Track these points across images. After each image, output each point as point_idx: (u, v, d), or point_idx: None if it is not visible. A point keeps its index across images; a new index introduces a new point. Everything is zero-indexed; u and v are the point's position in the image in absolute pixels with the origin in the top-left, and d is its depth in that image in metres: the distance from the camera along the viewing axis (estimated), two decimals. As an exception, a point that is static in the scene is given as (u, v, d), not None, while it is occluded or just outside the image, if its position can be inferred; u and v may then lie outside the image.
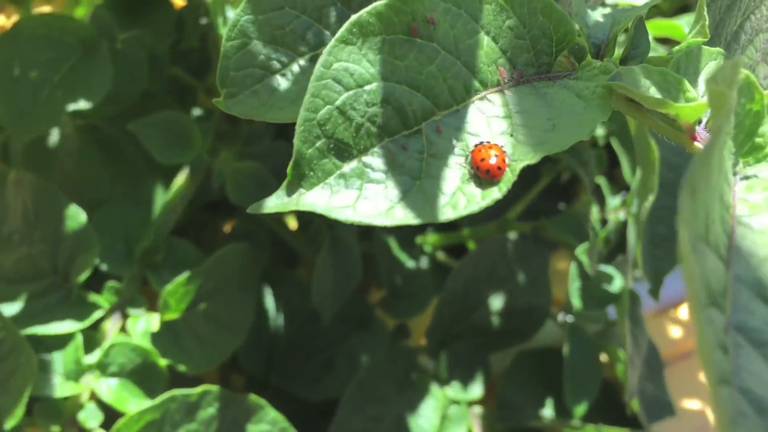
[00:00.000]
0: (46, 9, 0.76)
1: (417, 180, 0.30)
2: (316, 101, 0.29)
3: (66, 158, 0.64)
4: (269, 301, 0.71)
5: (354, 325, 0.72)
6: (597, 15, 0.41)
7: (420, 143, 0.30)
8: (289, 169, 0.29)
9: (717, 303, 0.24)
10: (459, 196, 0.30)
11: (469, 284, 0.71)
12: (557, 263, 0.84)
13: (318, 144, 0.29)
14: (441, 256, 0.78)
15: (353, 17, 0.30)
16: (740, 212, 0.28)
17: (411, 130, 0.31)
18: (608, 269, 0.66)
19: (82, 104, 0.57)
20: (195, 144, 0.62)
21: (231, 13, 0.57)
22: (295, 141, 0.29)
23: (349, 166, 0.30)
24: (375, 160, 0.30)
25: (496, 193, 0.30)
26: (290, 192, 0.29)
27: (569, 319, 0.71)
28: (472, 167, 0.30)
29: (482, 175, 0.30)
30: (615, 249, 0.69)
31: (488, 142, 0.31)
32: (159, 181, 0.65)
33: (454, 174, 0.30)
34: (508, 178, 0.30)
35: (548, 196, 0.80)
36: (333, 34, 0.40)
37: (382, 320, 0.73)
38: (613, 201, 0.70)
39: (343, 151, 0.30)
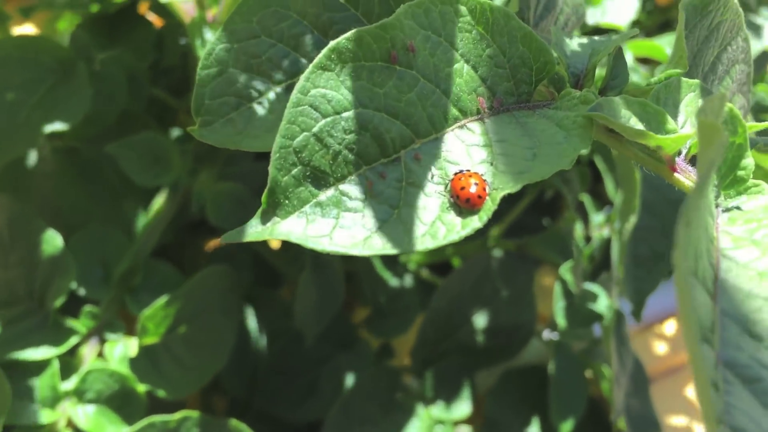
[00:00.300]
0: (26, 27, 0.75)
1: (395, 209, 0.29)
2: (293, 128, 0.28)
3: (43, 180, 0.63)
4: (252, 321, 0.70)
5: (338, 346, 0.71)
6: (575, 44, 0.41)
7: (399, 171, 0.30)
8: (263, 197, 0.28)
9: (707, 338, 0.24)
10: (438, 225, 0.29)
11: (454, 302, 0.71)
12: (543, 279, 0.84)
13: (294, 171, 0.29)
14: (425, 273, 0.78)
15: (332, 43, 0.30)
16: (724, 245, 0.28)
17: (389, 158, 0.30)
18: (593, 287, 0.65)
19: (60, 126, 0.56)
20: (174, 165, 0.61)
21: (209, 35, 0.57)
22: (271, 168, 0.28)
23: (325, 195, 0.29)
24: (352, 188, 0.29)
25: (476, 223, 0.29)
26: (265, 220, 0.28)
27: (555, 336, 0.70)
28: (452, 196, 0.30)
29: (462, 204, 0.30)
30: (599, 266, 0.69)
31: (468, 171, 0.30)
32: (138, 202, 0.64)
33: (434, 203, 0.30)
34: (489, 207, 0.29)
35: (532, 211, 0.80)
36: (310, 61, 0.40)
37: (366, 340, 0.72)
38: (597, 218, 0.70)
39: (320, 179, 0.29)
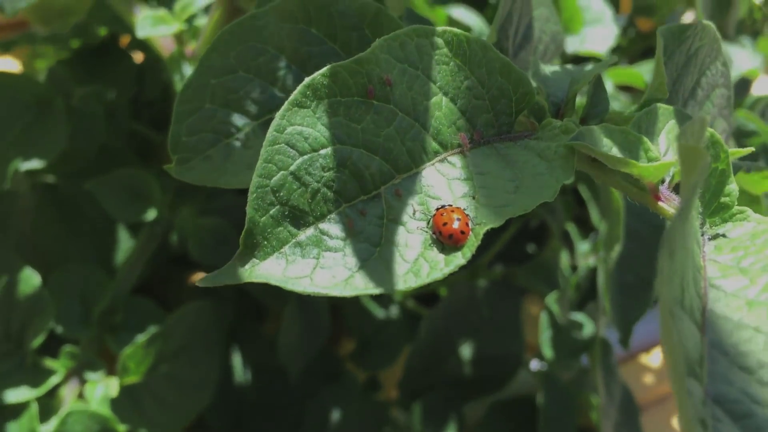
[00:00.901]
0: (4, 60, 0.74)
1: (377, 247, 0.29)
2: (270, 167, 0.28)
3: (22, 217, 0.62)
4: (236, 356, 0.69)
5: (323, 379, 0.70)
6: (555, 73, 0.41)
7: (379, 208, 0.29)
8: (241, 239, 0.28)
9: (695, 372, 0.23)
10: (422, 262, 0.29)
11: (440, 333, 0.70)
12: (530, 307, 0.83)
13: (272, 211, 0.28)
14: (411, 304, 0.77)
15: (307, 80, 0.29)
16: (711, 274, 0.28)
17: (369, 194, 0.30)
18: (579, 317, 0.65)
19: (36, 163, 0.56)
20: (155, 201, 0.60)
21: (188, 69, 0.57)
22: (248, 208, 0.28)
23: (305, 234, 0.28)
24: (332, 226, 0.29)
25: (459, 259, 0.29)
26: (243, 262, 0.28)
27: (543, 367, 0.69)
28: (434, 232, 0.29)
29: (445, 240, 0.29)
30: (586, 295, 0.69)
31: (450, 206, 0.30)
32: (119, 238, 0.63)
33: (416, 239, 0.29)
34: (472, 243, 0.29)
35: (518, 239, 0.80)
36: (288, 95, 0.39)
37: (352, 373, 0.71)
38: (583, 246, 0.70)
39: (299, 219, 0.28)
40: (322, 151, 0.29)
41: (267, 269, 0.28)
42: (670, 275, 0.24)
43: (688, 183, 0.27)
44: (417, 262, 0.29)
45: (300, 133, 0.28)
